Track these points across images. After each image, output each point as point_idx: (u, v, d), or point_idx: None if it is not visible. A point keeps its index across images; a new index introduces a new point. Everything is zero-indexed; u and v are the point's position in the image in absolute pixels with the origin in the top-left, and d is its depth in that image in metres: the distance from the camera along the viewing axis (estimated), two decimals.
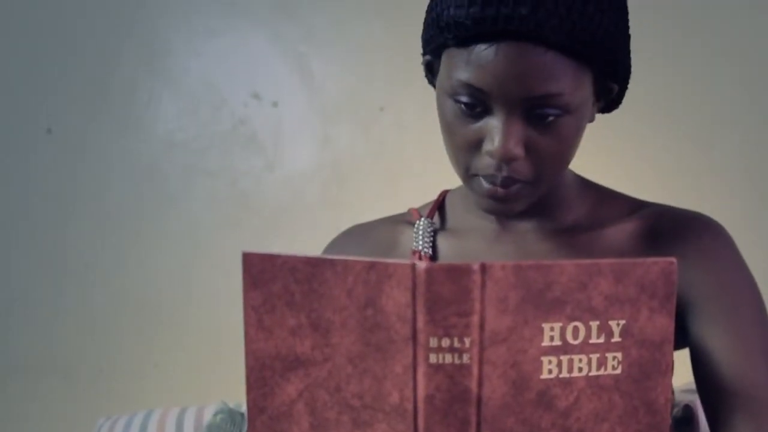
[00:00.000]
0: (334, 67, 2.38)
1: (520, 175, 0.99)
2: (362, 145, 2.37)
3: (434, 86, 1.06)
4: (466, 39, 0.96)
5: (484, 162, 0.99)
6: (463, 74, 0.96)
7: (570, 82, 0.95)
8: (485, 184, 1.01)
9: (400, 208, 1.28)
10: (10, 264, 2.45)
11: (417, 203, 1.26)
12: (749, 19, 2.26)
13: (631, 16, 1.13)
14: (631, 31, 1.03)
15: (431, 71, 1.07)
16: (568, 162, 1.02)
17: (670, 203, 1.17)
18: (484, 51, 0.94)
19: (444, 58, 1.00)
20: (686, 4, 2.28)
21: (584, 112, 1.00)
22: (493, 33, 0.94)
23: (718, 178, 2.29)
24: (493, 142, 0.97)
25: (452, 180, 1.11)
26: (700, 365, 1.04)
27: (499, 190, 1.00)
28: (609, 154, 2.26)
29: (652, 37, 2.24)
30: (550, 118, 0.97)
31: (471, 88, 0.96)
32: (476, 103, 0.97)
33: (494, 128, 0.97)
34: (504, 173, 0.99)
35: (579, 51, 0.95)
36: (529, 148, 0.98)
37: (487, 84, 0.95)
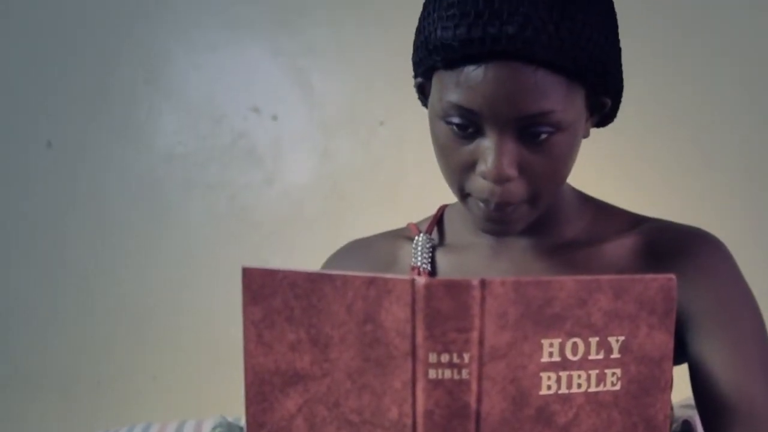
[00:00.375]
0: (334, 81, 2.38)
1: (515, 197, 0.99)
2: (362, 158, 2.37)
3: (427, 108, 1.06)
4: (454, 61, 0.95)
5: (479, 185, 0.99)
6: (454, 96, 0.96)
7: (561, 99, 0.95)
8: (481, 205, 1.00)
9: (400, 222, 1.28)
10: (9, 276, 2.45)
11: (417, 217, 1.26)
12: (749, 19, 2.26)
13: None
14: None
15: (423, 93, 1.07)
16: (563, 179, 1.02)
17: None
18: (473, 72, 0.94)
19: (434, 80, 1.00)
20: (686, 4, 2.28)
21: (577, 128, 1.00)
22: (481, 54, 0.93)
23: (718, 178, 2.29)
24: (487, 164, 0.97)
25: (451, 194, 1.11)
26: (699, 381, 1.04)
27: (494, 213, 1.00)
28: (608, 154, 2.26)
29: (652, 37, 2.24)
30: (543, 136, 0.96)
31: (462, 110, 0.96)
32: (468, 125, 0.97)
33: (487, 149, 0.97)
34: (497, 198, 0.98)
35: (569, 67, 0.94)
36: (522, 167, 0.98)
37: (477, 105, 0.94)
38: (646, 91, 2.23)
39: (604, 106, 1.04)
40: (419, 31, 1.00)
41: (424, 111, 1.07)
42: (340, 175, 2.38)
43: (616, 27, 1.01)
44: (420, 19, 1.01)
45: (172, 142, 2.41)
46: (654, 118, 2.28)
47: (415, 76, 1.05)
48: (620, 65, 1.02)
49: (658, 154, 2.29)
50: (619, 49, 1.02)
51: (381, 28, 2.34)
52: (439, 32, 0.95)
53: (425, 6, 1.00)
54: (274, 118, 2.39)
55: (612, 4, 1.01)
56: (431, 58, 0.97)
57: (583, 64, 0.95)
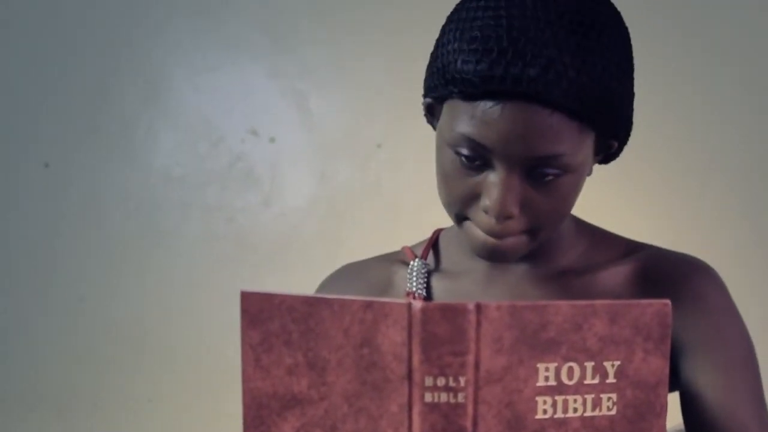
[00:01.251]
0: (332, 103, 2.39)
1: (514, 233, 0.99)
2: (359, 181, 2.38)
3: (434, 127, 1.06)
4: (472, 94, 0.95)
5: (479, 218, 0.99)
6: (467, 128, 0.95)
7: (573, 142, 0.95)
8: (479, 232, 1.00)
9: (397, 245, 1.28)
10: (6, 296, 2.45)
11: (413, 240, 1.26)
12: (749, 19, 2.27)
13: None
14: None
15: (431, 113, 1.06)
16: (565, 217, 1.02)
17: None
18: (489, 108, 0.93)
19: (447, 107, 0.99)
20: (686, 4, 2.29)
21: (584, 169, 1.00)
22: (500, 91, 0.93)
23: (718, 178, 2.29)
24: (491, 199, 0.97)
25: (448, 218, 1.11)
26: (691, 407, 1.04)
27: (489, 240, 1.00)
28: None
29: (652, 37, 2.25)
30: (550, 177, 0.96)
31: (473, 143, 0.95)
32: (476, 157, 0.96)
33: (492, 184, 0.97)
34: (496, 235, 0.98)
35: (585, 113, 0.94)
36: (525, 204, 0.98)
37: (490, 141, 0.94)
38: (646, 91, 2.23)
39: (610, 148, 1.04)
40: (436, 56, 0.99)
41: (422, 134, 1.07)
42: (338, 197, 2.38)
43: (633, 72, 1.01)
44: (437, 44, 1.00)
45: (170, 164, 2.41)
46: (654, 118, 2.28)
47: (425, 96, 1.04)
48: (632, 111, 1.02)
49: (658, 154, 2.29)
50: (633, 95, 1.02)
51: (379, 51, 2.35)
52: (459, 64, 0.94)
53: (444, 32, 0.99)
54: (272, 140, 2.40)
55: (631, 49, 1.01)
56: (447, 88, 0.97)
57: (599, 110, 0.95)
